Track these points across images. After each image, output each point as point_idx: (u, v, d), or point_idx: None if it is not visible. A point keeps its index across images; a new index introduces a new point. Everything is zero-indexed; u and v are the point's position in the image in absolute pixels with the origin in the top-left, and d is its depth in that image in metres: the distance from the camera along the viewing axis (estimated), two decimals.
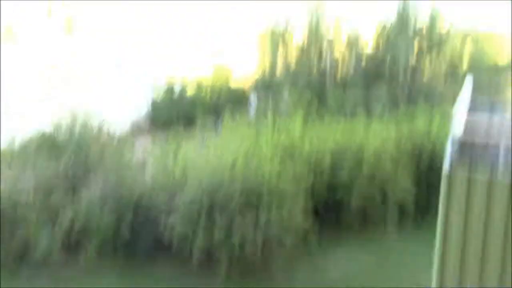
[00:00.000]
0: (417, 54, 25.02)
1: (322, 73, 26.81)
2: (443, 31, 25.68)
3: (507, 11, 26.00)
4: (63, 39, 28.36)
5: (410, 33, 24.74)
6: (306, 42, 28.03)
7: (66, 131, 18.88)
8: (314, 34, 27.56)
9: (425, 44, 25.06)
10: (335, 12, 28.08)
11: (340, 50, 27.68)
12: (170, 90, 32.98)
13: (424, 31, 25.37)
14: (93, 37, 28.74)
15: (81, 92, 28.40)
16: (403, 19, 25.13)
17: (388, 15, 26.60)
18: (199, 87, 32.86)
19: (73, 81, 28.70)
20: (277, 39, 28.37)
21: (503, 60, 28.80)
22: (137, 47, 31.87)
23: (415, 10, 25.52)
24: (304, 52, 27.80)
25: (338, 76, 26.87)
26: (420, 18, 25.82)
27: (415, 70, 24.66)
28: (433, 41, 24.94)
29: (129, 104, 31.00)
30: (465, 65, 25.82)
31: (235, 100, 30.92)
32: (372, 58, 26.40)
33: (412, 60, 24.64)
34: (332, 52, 27.11)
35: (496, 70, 25.44)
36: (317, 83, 25.95)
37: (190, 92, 32.93)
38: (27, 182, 15.41)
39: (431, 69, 25.07)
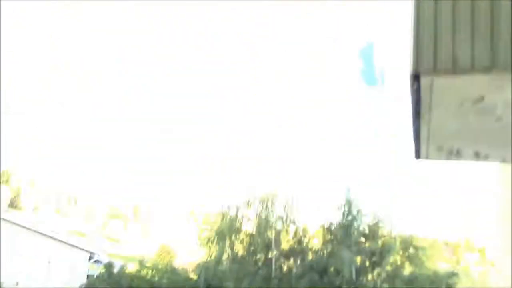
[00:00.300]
0: (361, 258, 25.49)
1: (269, 264, 26.56)
2: (385, 236, 26.63)
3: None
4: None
5: (353, 236, 25.55)
6: (254, 230, 28.22)
7: None
8: (263, 223, 27.92)
9: (368, 249, 25.76)
10: (285, 203, 28.91)
11: (288, 242, 27.90)
12: (110, 265, 31.60)
13: (366, 236, 26.32)
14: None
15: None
16: (346, 221, 26.12)
17: (334, 213, 27.47)
18: (141, 264, 31.67)
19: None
20: (226, 225, 28.48)
21: (443, 267, 29.76)
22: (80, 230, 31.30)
23: (359, 213, 26.58)
24: (252, 240, 27.82)
25: (285, 269, 26.66)
26: (364, 221, 26.83)
27: (360, 273, 24.85)
28: (375, 246, 25.72)
29: (64, 277, 29.23)
30: (407, 271, 26.28)
31: (177, 282, 29.68)
32: (318, 254, 26.66)
33: (357, 263, 24.98)
34: (279, 244, 27.27)
35: (438, 278, 25.97)
36: (263, 275, 25.58)
37: (131, 269, 31.61)
38: None
39: (374, 274, 25.40)
